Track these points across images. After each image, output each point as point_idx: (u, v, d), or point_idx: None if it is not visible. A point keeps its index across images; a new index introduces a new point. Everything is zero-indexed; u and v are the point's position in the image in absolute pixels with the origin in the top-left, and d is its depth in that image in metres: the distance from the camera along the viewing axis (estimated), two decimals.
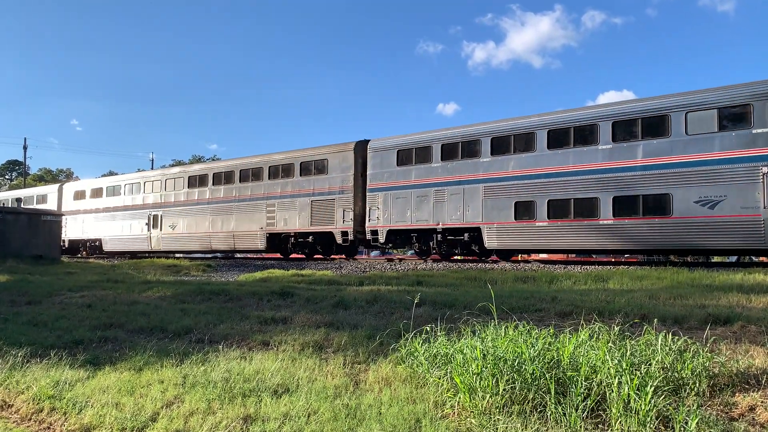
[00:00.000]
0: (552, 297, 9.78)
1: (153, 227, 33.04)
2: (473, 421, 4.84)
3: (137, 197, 34.66)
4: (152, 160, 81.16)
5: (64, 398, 6.29)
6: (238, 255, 33.34)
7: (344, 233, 24.92)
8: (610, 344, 5.48)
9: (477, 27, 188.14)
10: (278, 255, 29.74)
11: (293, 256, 28.55)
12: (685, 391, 4.98)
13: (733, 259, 27.32)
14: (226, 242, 29.32)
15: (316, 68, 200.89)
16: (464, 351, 5.69)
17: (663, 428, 4.42)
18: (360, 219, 24.88)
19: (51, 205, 39.45)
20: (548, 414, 4.73)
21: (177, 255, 34.72)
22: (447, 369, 5.70)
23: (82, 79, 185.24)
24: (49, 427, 5.96)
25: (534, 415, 4.76)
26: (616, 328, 5.98)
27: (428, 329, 6.72)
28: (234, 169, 29.60)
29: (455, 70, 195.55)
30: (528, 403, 4.91)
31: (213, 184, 30.36)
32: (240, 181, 29.16)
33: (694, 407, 4.52)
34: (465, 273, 16.26)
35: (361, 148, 25.21)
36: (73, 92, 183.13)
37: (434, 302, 9.58)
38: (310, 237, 26.26)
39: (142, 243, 33.69)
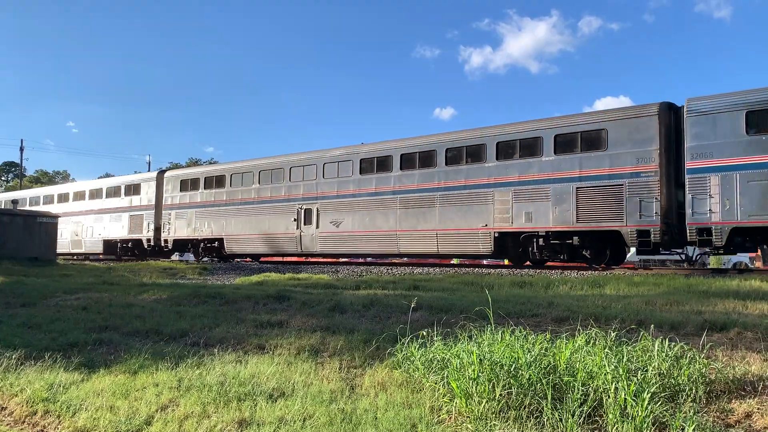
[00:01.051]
0: (548, 302, 9.77)
1: (305, 223, 25.94)
2: (469, 426, 4.82)
3: (279, 186, 27.28)
4: (149, 162, 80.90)
5: (58, 401, 6.25)
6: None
7: (643, 233, 17.66)
8: (606, 350, 5.47)
9: (474, 32, 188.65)
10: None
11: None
12: (681, 397, 4.97)
13: (730, 265, 27.37)
14: (425, 243, 22.25)
15: (313, 72, 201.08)
16: (461, 356, 5.68)
17: None
18: (665, 212, 17.64)
19: (145, 196, 33.70)
20: (545, 420, 4.72)
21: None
22: (443, 374, 5.68)
23: (78, 81, 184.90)
24: (42, 430, 5.92)
25: (530, 421, 4.75)
26: (612, 334, 5.96)
27: (425, 334, 6.70)
28: (435, 148, 22.34)
29: (452, 74, 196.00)
30: (524, 408, 4.90)
31: (402, 169, 23.16)
32: (447, 164, 21.90)
33: (691, 413, 4.52)
34: (462, 278, 16.25)
35: (666, 112, 18.08)
36: (69, 94, 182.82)
37: (431, 307, 9.56)
38: (574, 238, 19.07)
39: (286, 243, 26.69)
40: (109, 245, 35.58)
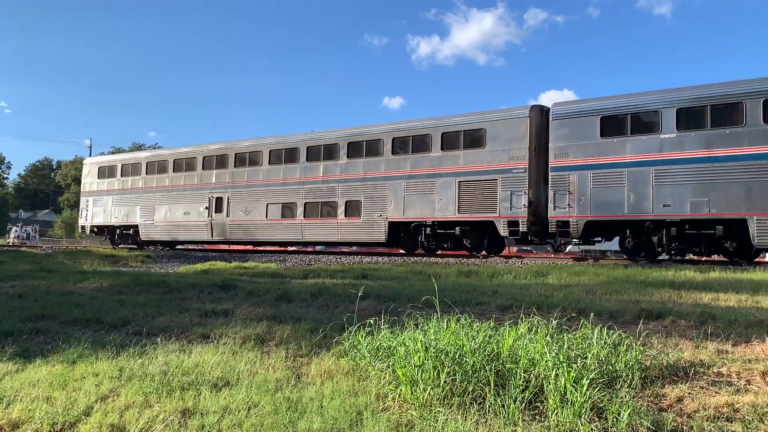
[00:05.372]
0: (493, 291, 9.95)
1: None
2: (414, 413, 4.88)
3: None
4: (90, 147, 78.22)
5: None
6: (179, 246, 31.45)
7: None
8: (548, 337, 5.60)
9: (421, 21, 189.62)
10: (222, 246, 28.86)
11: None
12: (618, 383, 5.14)
13: (667, 256, 28.35)
14: None
15: (260, 56, 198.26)
16: (407, 344, 5.73)
17: (597, 419, 4.56)
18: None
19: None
20: (487, 406, 4.81)
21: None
22: (389, 362, 5.72)
23: (10, 60, 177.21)
24: None
25: (473, 407, 4.83)
26: (554, 322, 6.12)
27: (372, 322, 6.73)
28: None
29: (400, 63, 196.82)
30: (468, 395, 4.98)
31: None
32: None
33: (627, 399, 4.68)
34: (410, 267, 16.37)
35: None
36: (1, 74, 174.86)
37: (379, 295, 9.60)
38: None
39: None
40: None
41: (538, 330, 5.87)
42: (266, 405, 5.20)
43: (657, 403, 4.95)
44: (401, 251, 24.34)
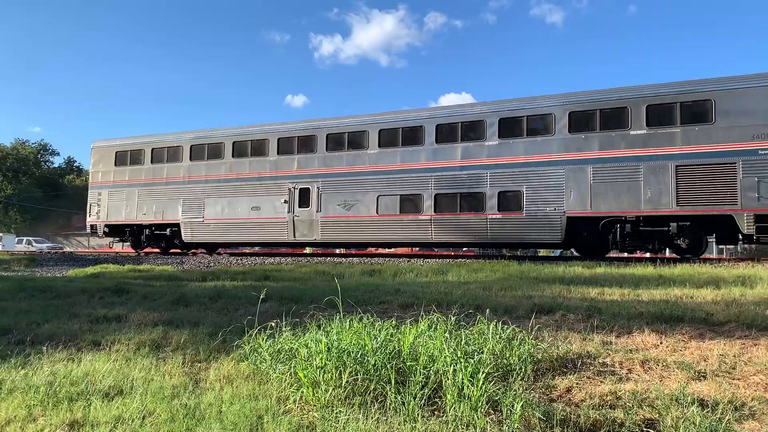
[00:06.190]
0: (396, 289, 10.08)
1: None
2: (315, 414, 4.86)
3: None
4: None
5: None
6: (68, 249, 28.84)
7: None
8: (446, 334, 5.75)
9: (324, 20, 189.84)
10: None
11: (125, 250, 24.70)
12: (512, 376, 5.35)
13: (557, 253, 29.91)
14: None
15: (152, 49, 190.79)
16: (309, 345, 5.71)
17: (492, 412, 4.73)
18: None
19: None
20: (388, 404, 4.87)
21: None
22: (291, 364, 5.68)
23: None
24: None
25: (374, 406, 4.88)
26: (452, 318, 6.30)
27: (274, 325, 6.65)
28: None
29: (303, 61, 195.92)
30: (369, 394, 5.03)
31: None
32: None
33: (520, 391, 4.89)
34: (314, 267, 16.30)
35: None
36: None
37: (281, 297, 9.50)
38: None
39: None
40: None
41: (438, 327, 6.01)
42: (162, 413, 5.02)
43: (548, 394, 5.20)
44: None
